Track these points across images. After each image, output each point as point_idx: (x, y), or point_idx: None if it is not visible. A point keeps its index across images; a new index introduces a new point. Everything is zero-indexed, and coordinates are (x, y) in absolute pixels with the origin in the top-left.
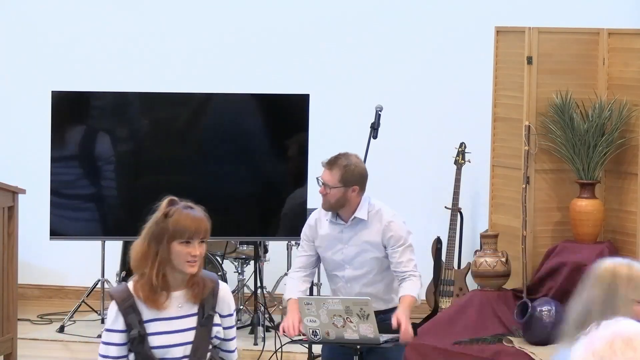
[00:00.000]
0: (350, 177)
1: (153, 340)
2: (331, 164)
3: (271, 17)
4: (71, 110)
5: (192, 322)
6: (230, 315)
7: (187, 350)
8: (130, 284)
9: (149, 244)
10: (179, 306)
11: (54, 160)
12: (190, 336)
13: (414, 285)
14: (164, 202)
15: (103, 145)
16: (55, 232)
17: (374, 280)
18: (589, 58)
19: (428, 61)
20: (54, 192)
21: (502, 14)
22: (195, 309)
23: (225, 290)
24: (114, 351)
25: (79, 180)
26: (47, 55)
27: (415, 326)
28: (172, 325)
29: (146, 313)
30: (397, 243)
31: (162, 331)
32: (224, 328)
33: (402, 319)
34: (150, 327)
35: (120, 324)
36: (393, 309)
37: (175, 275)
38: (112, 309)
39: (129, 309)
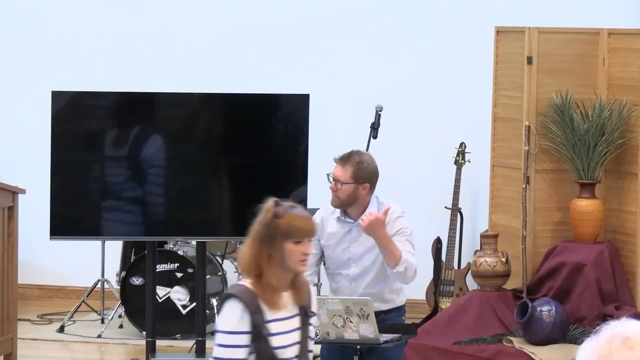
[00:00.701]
0: (362, 174)
1: (273, 341)
2: (344, 160)
3: (271, 17)
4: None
5: (297, 322)
6: (315, 314)
7: (296, 350)
8: (248, 285)
9: (259, 246)
10: (288, 307)
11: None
12: (297, 336)
13: (411, 258)
14: (269, 203)
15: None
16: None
17: (377, 280)
18: (589, 58)
19: (428, 61)
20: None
21: (502, 14)
22: (296, 309)
23: (312, 290)
24: (241, 354)
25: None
26: (47, 55)
27: (415, 326)
28: (286, 325)
29: (267, 314)
30: (400, 234)
31: (280, 331)
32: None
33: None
34: (272, 328)
35: (247, 325)
36: (394, 309)
37: (285, 276)
38: (236, 309)
39: (255, 309)
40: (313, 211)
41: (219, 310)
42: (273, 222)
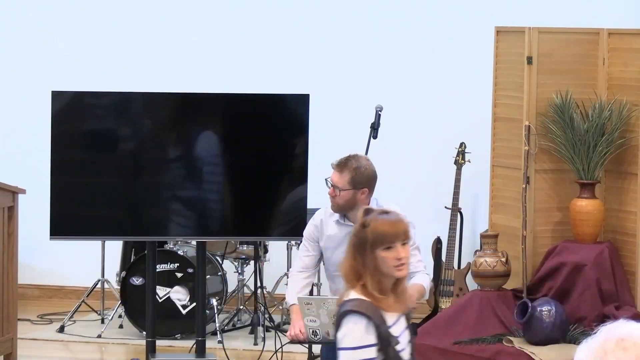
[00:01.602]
0: (360, 179)
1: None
2: (341, 166)
3: (271, 17)
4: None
5: (404, 322)
6: (413, 308)
7: (409, 350)
8: (360, 296)
9: (354, 257)
10: (396, 310)
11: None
12: (407, 336)
13: (426, 278)
14: (360, 212)
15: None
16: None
17: None
18: (589, 58)
19: (428, 61)
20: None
21: (502, 14)
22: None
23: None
24: None
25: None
26: (47, 55)
27: (415, 326)
28: (399, 327)
29: (388, 320)
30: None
31: (397, 335)
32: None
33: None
34: (394, 333)
35: (373, 337)
36: None
37: (386, 281)
38: (359, 324)
39: (379, 320)
40: (313, 211)
41: (338, 327)
42: (362, 232)
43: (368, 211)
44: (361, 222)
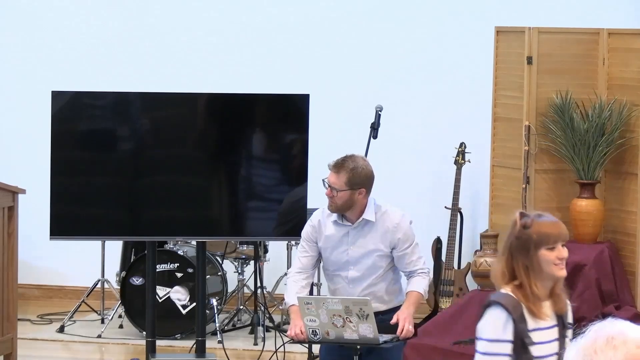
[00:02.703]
0: (357, 179)
1: (534, 350)
2: (338, 167)
3: (271, 17)
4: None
5: (556, 333)
6: (572, 326)
7: None
8: (511, 293)
9: (513, 258)
10: (548, 317)
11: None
12: (556, 347)
13: (422, 282)
14: (516, 216)
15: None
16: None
17: (376, 282)
18: (589, 58)
19: (428, 61)
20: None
21: (502, 14)
22: (555, 320)
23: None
24: None
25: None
26: (47, 55)
27: (415, 326)
28: (547, 335)
29: (530, 323)
30: (405, 243)
31: (541, 341)
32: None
33: (401, 316)
34: (534, 337)
35: (510, 333)
36: (394, 309)
37: (545, 284)
38: (500, 317)
39: (519, 318)
40: (313, 211)
41: (480, 317)
42: (523, 234)
43: (524, 214)
44: (521, 224)
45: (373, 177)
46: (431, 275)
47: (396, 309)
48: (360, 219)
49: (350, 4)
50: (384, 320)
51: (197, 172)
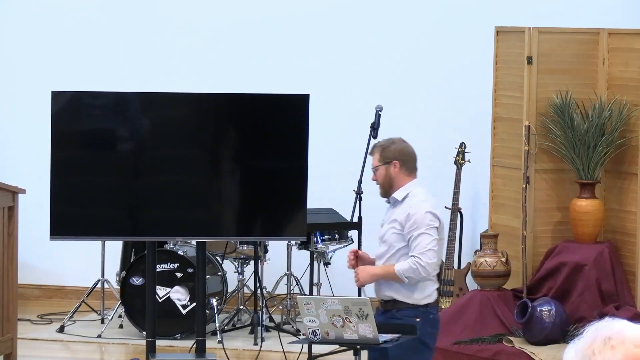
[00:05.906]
0: (389, 153)
1: None
2: (372, 149)
3: (271, 17)
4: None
5: None
6: None
7: None
8: None
9: None
10: None
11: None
12: None
13: (405, 265)
14: None
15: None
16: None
17: (389, 262)
18: (589, 58)
19: (428, 61)
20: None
21: (502, 14)
22: None
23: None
24: None
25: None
26: (47, 55)
27: (415, 326)
28: None
29: None
30: (412, 227)
31: None
32: None
33: (361, 267)
34: None
35: None
36: (407, 309)
37: None
38: None
39: None
40: (313, 211)
41: None
42: None
43: None
44: None
45: (410, 153)
46: (426, 273)
47: (412, 308)
48: (391, 196)
49: (350, 4)
50: (396, 317)
51: (197, 172)
